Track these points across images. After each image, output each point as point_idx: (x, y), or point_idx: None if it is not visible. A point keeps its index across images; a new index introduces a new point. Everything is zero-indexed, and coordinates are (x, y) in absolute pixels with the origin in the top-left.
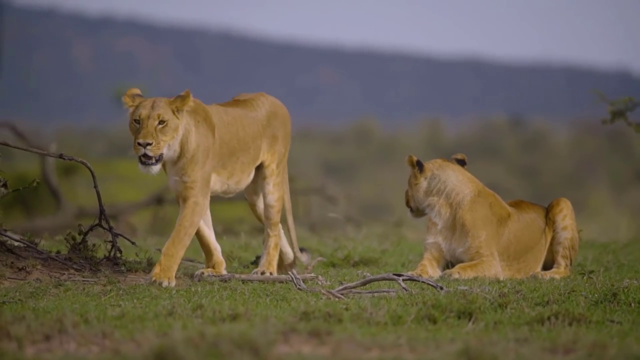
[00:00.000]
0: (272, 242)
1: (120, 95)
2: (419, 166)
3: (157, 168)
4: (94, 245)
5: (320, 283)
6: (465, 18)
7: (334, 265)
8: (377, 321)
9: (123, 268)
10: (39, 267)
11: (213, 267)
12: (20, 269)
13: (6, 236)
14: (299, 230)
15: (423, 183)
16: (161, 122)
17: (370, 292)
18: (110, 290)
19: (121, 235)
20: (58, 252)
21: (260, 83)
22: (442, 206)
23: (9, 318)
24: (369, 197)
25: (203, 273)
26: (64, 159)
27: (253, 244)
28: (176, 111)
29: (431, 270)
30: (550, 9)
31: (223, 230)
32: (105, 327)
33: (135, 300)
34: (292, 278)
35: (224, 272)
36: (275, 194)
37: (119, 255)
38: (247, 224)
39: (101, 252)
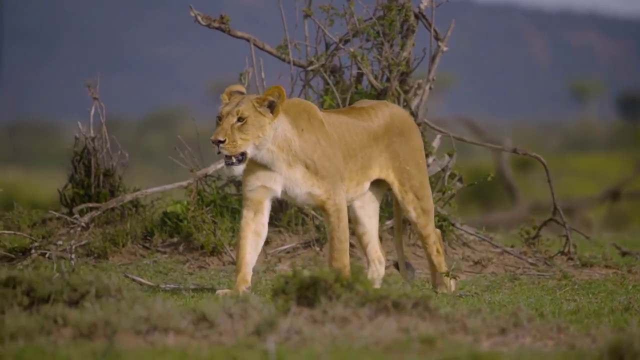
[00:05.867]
0: (435, 261)
1: (579, 89)
2: None
3: (239, 169)
4: (547, 239)
5: None
6: None
7: None
8: None
9: (578, 262)
10: (494, 260)
11: (233, 284)
12: (475, 263)
13: (462, 230)
14: None
15: None
16: (240, 119)
17: None
18: (565, 284)
19: (575, 230)
20: (512, 246)
21: None
22: None
23: (465, 311)
24: None
25: None
26: (517, 153)
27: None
28: (259, 107)
29: None
30: None
31: None
32: (560, 322)
33: (590, 295)
34: None
35: (241, 291)
36: (413, 212)
37: (573, 249)
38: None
39: (555, 247)
